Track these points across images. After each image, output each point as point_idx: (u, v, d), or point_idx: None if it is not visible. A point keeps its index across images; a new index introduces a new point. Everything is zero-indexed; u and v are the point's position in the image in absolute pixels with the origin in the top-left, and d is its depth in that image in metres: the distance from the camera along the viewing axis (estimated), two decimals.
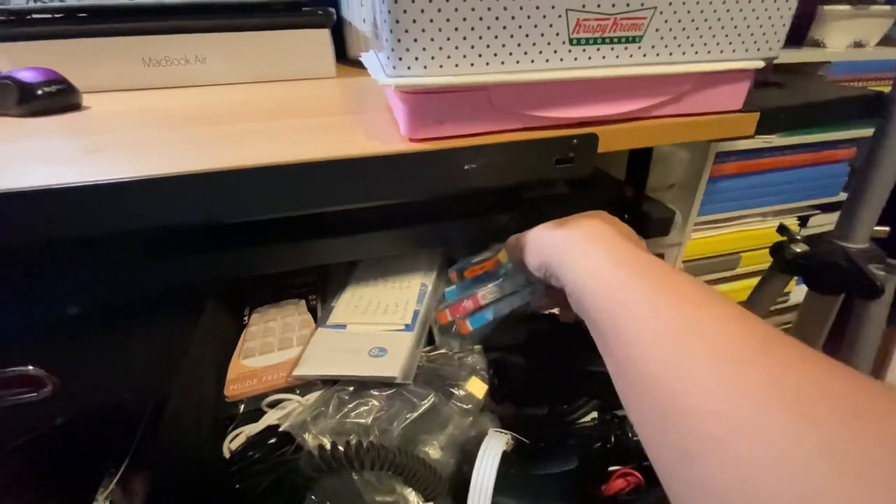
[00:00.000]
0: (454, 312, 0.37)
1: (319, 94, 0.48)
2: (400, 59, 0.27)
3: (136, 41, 0.52)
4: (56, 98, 0.42)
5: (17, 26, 0.50)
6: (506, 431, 0.31)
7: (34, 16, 0.52)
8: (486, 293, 0.37)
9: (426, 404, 0.31)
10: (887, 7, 0.71)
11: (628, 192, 0.47)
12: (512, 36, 0.28)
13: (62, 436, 0.48)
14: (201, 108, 0.43)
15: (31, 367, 0.38)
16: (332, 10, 0.57)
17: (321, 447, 0.28)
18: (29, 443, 0.46)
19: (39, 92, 0.41)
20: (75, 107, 0.44)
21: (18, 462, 0.48)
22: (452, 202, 0.45)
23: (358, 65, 0.63)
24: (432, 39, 0.27)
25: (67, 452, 0.53)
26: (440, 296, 0.43)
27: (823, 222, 0.86)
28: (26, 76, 0.42)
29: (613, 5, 0.29)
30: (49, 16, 0.53)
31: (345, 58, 0.66)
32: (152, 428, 0.54)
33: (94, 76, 0.51)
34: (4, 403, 0.38)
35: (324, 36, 0.56)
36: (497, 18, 0.27)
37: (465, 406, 0.33)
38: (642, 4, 0.29)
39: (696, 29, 0.31)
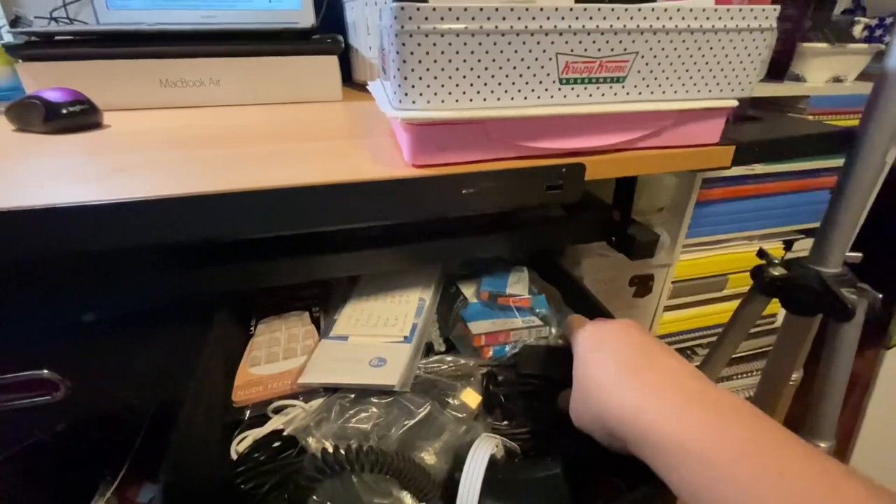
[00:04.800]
0: (489, 341, 0.42)
1: (327, 118, 0.50)
2: (406, 94, 0.30)
3: (154, 63, 0.55)
4: (79, 117, 0.45)
5: (41, 48, 0.54)
6: (496, 436, 0.33)
7: (58, 38, 0.55)
8: (516, 331, 0.43)
9: (423, 412, 0.33)
10: (864, 45, 0.75)
11: (615, 216, 0.50)
12: (507, 76, 0.31)
13: (61, 442, 0.49)
14: (216, 129, 0.45)
15: (45, 371, 0.39)
16: (341, 37, 0.60)
17: (324, 450, 0.30)
18: (28, 448, 0.47)
19: (64, 111, 0.44)
20: (97, 125, 0.46)
21: (17, 467, 0.49)
22: (450, 222, 0.48)
23: (363, 88, 0.66)
24: (436, 77, 0.30)
25: (65, 458, 0.54)
26: (462, 308, 0.47)
27: (807, 246, 0.89)
28: (52, 96, 0.44)
29: (599, 50, 0.32)
30: (72, 38, 0.56)
31: (350, 81, 0.70)
32: (152, 435, 0.56)
33: (113, 95, 0.54)
34: (19, 406, 0.39)
35: (332, 62, 0.59)
36: (494, 60, 0.30)
37: (459, 415, 0.35)
38: (625, 49, 0.32)
39: (675, 71, 0.34)
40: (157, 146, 0.39)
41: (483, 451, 0.29)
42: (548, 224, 0.50)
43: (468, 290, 0.48)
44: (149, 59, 0.54)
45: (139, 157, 0.35)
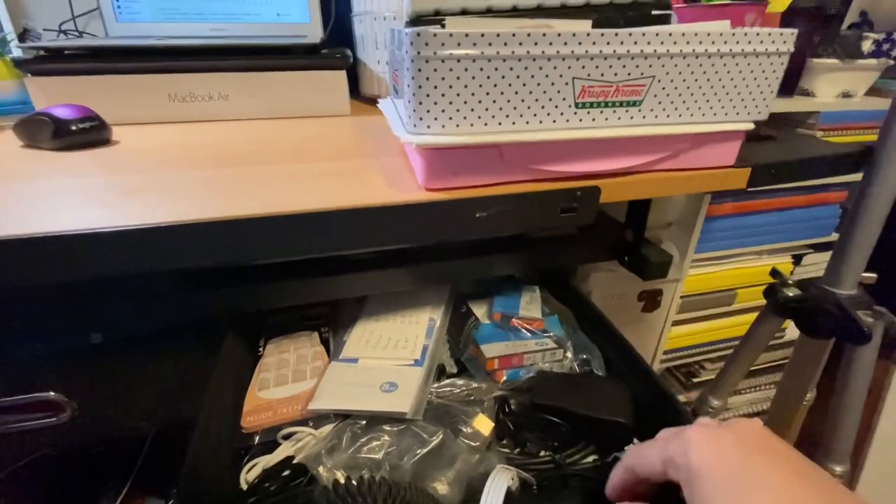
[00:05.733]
0: (503, 364, 0.41)
1: (336, 135, 0.50)
2: (421, 118, 0.30)
3: (162, 78, 0.55)
4: (88, 134, 0.44)
5: (50, 62, 0.53)
6: (512, 468, 0.32)
7: (67, 52, 0.55)
8: (529, 354, 0.42)
9: (435, 440, 0.33)
10: (873, 61, 0.75)
11: (629, 236, 0.49)
12: (523, 100, 0.31)
13: (63, 458, 0.49)
14: (225, 145, 0.45)
15: (52, 393, 0.39)
16: (349, 52, 0.59)
17: (335, 482, 0.29)
18: (30, 465, 0.47)
19: (73, 128, 0.44)
20: (105, 141, 0.46)
21: (19, 482, 0.49)
22: (460, 241, 0.47)
23: (371, 102, 0.66)
24: (451, 103, 0.29)
25: (67, 474, 0.54)
26: (474, 329, 0.46)
27: (817, 261, 0.89)
28: (61, 113, 0.44)
29: (616, 74, 0.31)
30: (81, 52, 0.56)
31: (358, 94, 0.70)
32: (155, 451, 0.55)
33: (122, 110, 0.53)
34: (24, 427, 0.39)
35: (341, 77, 0.59)
36: (510, 85, 0.30)
37: (472, 443, 0.34)
38: (642, 74, 0.32)
39: (691, 95, 0.34)
40: (167, 166, 0.38)
41: (500, 483, 0.29)
42: (560, 243, 0.49)
43: (480, 311, 0.47)
44: (158, 74, 0.54)
45: (148, 177, 0.35)
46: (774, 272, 0.51)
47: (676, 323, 0.84)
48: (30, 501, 0.54)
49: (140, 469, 0.56)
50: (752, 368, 0.99)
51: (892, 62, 0.77)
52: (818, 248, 0.88)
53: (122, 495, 0.57)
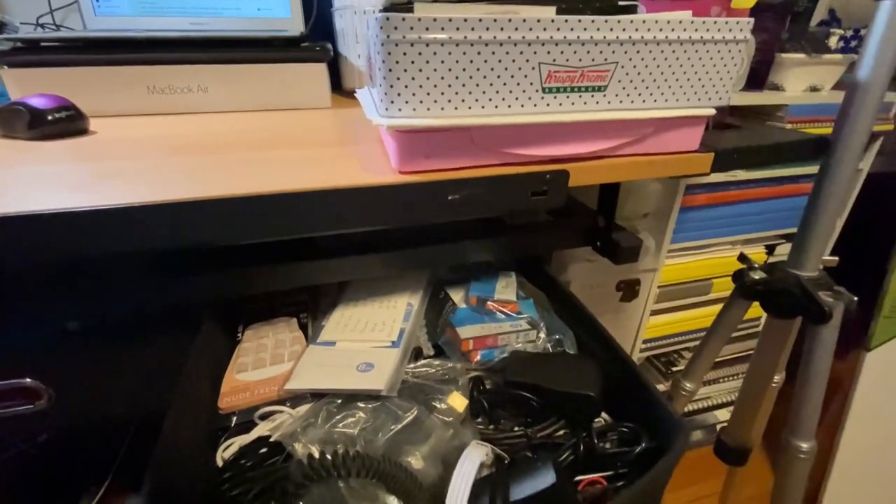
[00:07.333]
0: (477, 345, 0.42)
1: (315, 126, 0.50)
2: (392, 101, 0.31)
3: (141, 70, 0.54)
4: (65, 123, 0.44)
5: (29, 54, 0.53)
6: (486, 444, 0.33)
7: (44, 44, 0.55)
8: (504, 335, 0.43)
9: (409, 416, 0.34)
10: (839, 56, 0.78)
11: (600, 222, 0.51)
12: (491, 84, 0.32)
13: (43, 452, 0.49)
14: (203, 136, 0.45)
15: (28, 380, 0.39)
16: (330, 45, 0.60)
17: (310, 456, 0.30)
18: (9, 459, 0.47)
19: (49, 117, 0.44)
20: (83, 132, 0.46)
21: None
22: (438, 227, 0.48)
23: (352, 96, 0.67)
24: (421, 86, 0.30)
25: (48, 469, 0.53)
26: (451, 313, 0.47)
27: (789, 251, 0.91)
28: (37, 102, 0.44)
29: (580, 60, 0.33)
30: (58, 44, 0.55)
31: (339, 88, 0.70)
32: (137, 445, 0.55)
33: (100, 101, 0.53)
34: (1, 414, 0.39)
35: (321, 70, 0.60)
36: (478, 70, 0.31)
37: (446, 419, 0.35)
38: (606, 59, 0.33)
39: (654, 81, 0.35)
40: (142, 153, 0.39)
41: (473, 459, 0.30)
42: (534, 230, 0.50)
43: (457, 296, 0.48)
44: (136, 66, 0.54)
45: (123, 164, 0.35)
46: (742, 257, 0.53)
47: (654, 312, 0.86)
48: (9, 499, 0.53)
49: (122, 466, 0.56)
50: (730, 357, 1.02)
51: (856, 57, 0.80)
52: (790, 237, 0.91)
53: (102, 490, 0.57)
